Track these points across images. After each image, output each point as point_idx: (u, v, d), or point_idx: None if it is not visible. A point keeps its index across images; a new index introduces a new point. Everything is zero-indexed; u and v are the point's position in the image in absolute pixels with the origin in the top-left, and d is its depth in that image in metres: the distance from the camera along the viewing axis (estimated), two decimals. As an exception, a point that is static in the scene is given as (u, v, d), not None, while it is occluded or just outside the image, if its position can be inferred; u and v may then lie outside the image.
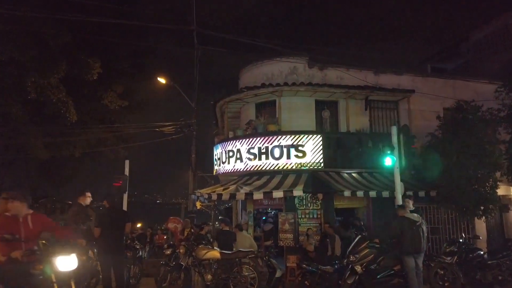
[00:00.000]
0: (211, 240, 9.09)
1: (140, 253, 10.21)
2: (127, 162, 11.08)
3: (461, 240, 9.23)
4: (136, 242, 10.98)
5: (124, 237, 7.54)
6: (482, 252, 8.74)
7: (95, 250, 7.40)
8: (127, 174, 10.95)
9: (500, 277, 8.35)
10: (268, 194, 10.55)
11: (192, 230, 9.75)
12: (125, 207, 10.32)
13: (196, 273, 7.69)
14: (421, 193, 10.88)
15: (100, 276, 7.08)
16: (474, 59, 19.54)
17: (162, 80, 15.88)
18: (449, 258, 8.48)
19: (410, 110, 12.93)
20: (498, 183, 10.55)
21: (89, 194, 7.41)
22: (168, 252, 8.68)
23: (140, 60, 19.03)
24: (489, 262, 8.43)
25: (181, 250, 7.81)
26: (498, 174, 10.53)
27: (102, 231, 6.56)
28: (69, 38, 13.95)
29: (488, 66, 16.67)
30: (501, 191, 11.09)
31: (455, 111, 11.05)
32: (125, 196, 10.68)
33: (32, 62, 13.13)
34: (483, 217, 10.65)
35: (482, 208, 10.27)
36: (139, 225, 19.84)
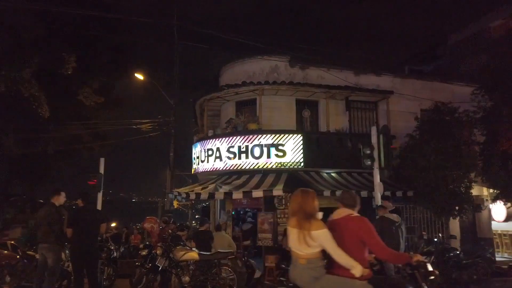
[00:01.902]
0: (187, 241, 8.89)
1: (115, 254, 9.92)
2: (102, 160, 10.71)
3: (435, 240, 9.38)
4: (111, 242, 10.67)
5: (98, 237, 7.26)
6: (458, 252, 8.90)
7: (67, 251, 7.10)
8: (102, 173, 10.60)
9: (475, 277, 8.52)
10: (247, 194, 10.44)
11: (170, 231, 9.51)
12: (99, 206, 9.97)
13: (173, 275, 7.48)
14: (399, 193, 11.01)
15: (72, 278, 6.80)
16: (451, 61, 20.01)
17: (140, 76, 15.53)
18: (426, 258, 8.57)
19: (389, 111, 13.06)
20: (473, 183, 10.81)
21: (63, 194, 7.08)
22: (144, 252, 8.41)
23: (118, 56, 18.54)
24: (464, 261, 8.59)
25: (158, 251, 7.58)
26: (472, 174, 10.77)
27: (75, 232, 6.29)
28: (43, 30, 13.41)
29: (464, 68, 17.09)
30: (475, 191, 11.37)
31: (433, 112, 11.24)
32: (100, 194, 10.32)
33: (3, 54, 12.54)
34: (458, 217, 10.89)
35: (457, 208, 10.49)
36: (114, 224, 19.36)
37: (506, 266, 9.62)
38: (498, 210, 13.30)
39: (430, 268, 4.55)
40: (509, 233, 13.56)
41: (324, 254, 3.43)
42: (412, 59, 22.29)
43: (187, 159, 14.67)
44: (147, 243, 10.22)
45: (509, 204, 11.32)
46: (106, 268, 8.58)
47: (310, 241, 3.35)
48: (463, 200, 10.44)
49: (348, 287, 3.36)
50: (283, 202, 11.71)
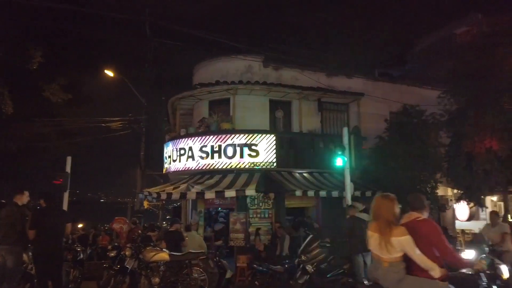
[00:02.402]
0: (157, 241, 8.72)
1: (81, 256, 9.58)
2: (69, 159, 10.31)
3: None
4: (77, 243, 10.30)
5: (64, 239, 6.99)
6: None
7: (30, 253, 6.77)
8: (69, 172, 10.21)
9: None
10: (220, 194, 10.37)
11: (140, 231, 9.29)
12: (65, 207, 9.60)
13: (142, 277, 7.30)
14: (368, 193, 11.23)
15: (35, 281, 6.50)
16: (419, 66, 20.67)
17: (110, 73, 15.10)
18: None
19: (359, 112, 13.32)
20: (438, 184, 11.19)
21: (27, 193, 6.76)
22: (113, 254, 8.16)
23: (89, 52, 17.99)
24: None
25: (127, 252, 7.38)
26: (438, 175, 11.14)
27: (38, 233, 6.01)
28: (6, 22, 12.80)
29: (431, 73, 17.65)
30: (440, 191, 11.80)
31: (401, 114, 11.54)
32: (66, 194, 9.94)
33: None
34: (424, 216, 11.24)
35: (424, 207, 10.81)
36: (80, 225, 18.72)
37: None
38: (461, 209, 13.84)
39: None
40: (472, 231, 14.13)
41: (405, 257, 3.55)
42: (382, 62, 22.86)
43: (159, 159, 14.42)
44: (116, 244, 9.95)
45: (472, 204, 11.77)
46: (72, 270, 8.27)
47: (390, 248, 3.49)
48: (429, 200, 10.76)
49: None
50: (256, 202, 11.74)
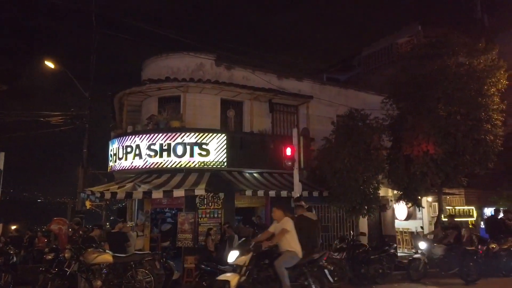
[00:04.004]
0: (101, 243, 8.33)
1: (14, 259, 8.93)
2: (1, 155, 9.56)
3: (348, 237, 10.04)
4: (10, 246, 9.57)
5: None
6: (366, 248, 9.60)
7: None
8: (2, 169, 9.46)
9: (380, 270, 9.26)
10: (168, 193, 10.12)
11: (81, 232, 8.82)
12: (-3, 207, 8.89)
13: (83, 280, 6.93)
14: (315, 193, 11.57)
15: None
16: (364, 72, 21.69)
17: (50, 64, 14.16)
18: (338, 254, 9.14)
19: (308, 114, 13.66)
20: (380, 184, 11.77)
21: None
22: (50, 257, 7.66)
23: (27, 41, 16.76)
24: (372, 257, 9.29)
25: (66, 255, 6.97)
26: (380, 176, 11.73)
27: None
28: None
29: (375, 79, 18.61)
30: (381, 192, 12.40)
31: (347, 118, 12.00)
32: (-2, 193, 9.20)
33: None
34: (367, 216, 11.79)
35: (366, 207, 11.34)
36: (14, 227, 17.40)
37: (406, 261, 10.64)
38: (400, 209, 14.70)
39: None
40: (409, 230, 15.06)
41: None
42: (330, 67, 23.71)
43: (103, 157, 13.78)
44: (54, 246, 9.36)
45: (409, 204, 12.53)
46: (3, 275, 7.67)
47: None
48: (371, 200, 11.31)
49: None
50: (205, 202, 11.61)
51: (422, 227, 12.16)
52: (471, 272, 9.38)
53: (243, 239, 7.53)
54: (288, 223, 6.36)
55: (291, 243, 6.30)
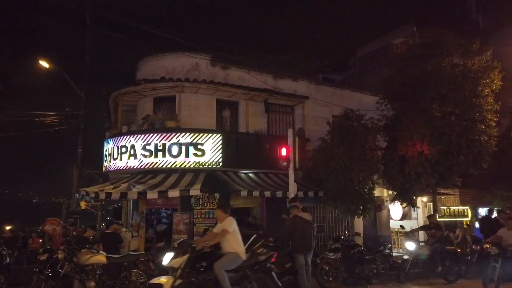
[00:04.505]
0: (94, 244, 8.30)
1: (8, 260, 8.87)
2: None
3: (343, 237, 10.05)
4: (3, 246, 9.52)
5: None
6: (361, 248, 9.62)
7: None
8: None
9: (375, 271, 9.29)
10: (163, 194, 10.10)
11: (74, 233, 8.77)
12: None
13: (76, 281, 6.89)
14: (311, 193, 11.58)
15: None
16: (360, 72, 21.73)
17: (45, 64, 14.08)
18: (333, 254, 9.15)
19: (304, 115, 13.67)
20: (375, 185, 11.79)
21: None
22: (44, 257, 7.61)
23: (22, 39, 16.64)
24: (366, 257, 9.31)
25: (59, 255, 6.92)
26: (375, 177, 11.74)
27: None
28: None
29: (370, 79, 18.64)
30: (376, 192, 12.40)
31: (343, 118, 12.00)
32: (-9, 194, 9.14)
33: None
34: (362, 216, 11.80)
35: (361, 207, 11.35)
36: (8, 227, 17.31)
37: (400, 261, 10.66)
38: (395, 209, 14.74)
39: None
40: (404, 230, 15.07)
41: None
42: (325, 68, 23.73)
43: (98, 157, 13.71)
44: (48, 247, 9.31)
45: (404, 204, 12.56)
46: (-4, 276, 7.61)
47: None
48: (367, 200, 11.32)
49: None
50: (201, 202, 11.58)
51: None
52: (452, 271, 9.51)
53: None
54: (229, 223, 6.01)
55: (233, 244, 5.96)
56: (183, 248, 5.73)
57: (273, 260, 6.65)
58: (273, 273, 6.50)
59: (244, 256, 6.01)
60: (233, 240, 5.98)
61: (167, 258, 5.80)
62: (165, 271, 6.02)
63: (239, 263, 5.94)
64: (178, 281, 5.39)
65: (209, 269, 5.74)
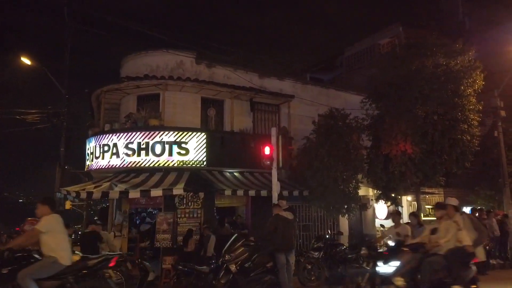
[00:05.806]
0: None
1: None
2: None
3: (327, 236, 10.05)
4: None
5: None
6: (344, 247, 9.62)
7: None
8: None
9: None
10: (145, 193, 9.97)
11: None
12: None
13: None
14: (295, 192, 11.54)
15: None
16: (346, 72, 21.82)
17: (27, 61, 13.80)
18: (316, 253, 9.12)
19: (290, 114, 13.63)
20: (359, 184, 11.81)
21: None
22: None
23: (1, 36, 16.29)
24: (349, 256, 9.31)
25: (35, 256, 6.74)
26: (359, 176, 11.77)
27: None
28: None
29: (356, 79, 18.73)
30: (361, 191, 12.44)
31: (328, 117, 12.01)
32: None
33: None
34: (347, 215, 11.81)
35: (346, 206, 11.36)
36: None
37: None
38: (380, 208, 14.79)
39: None
40: (382, 229, 15.11)
41: None
42: (313, 67, 23.78)
43: (82, 156, 13.48)
44: (29, 248, 9.09)
45: (389, 203, 12.61)
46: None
47: None
48: (351, 199, 11.35)
49: None
50: (185, 202, 11.46)
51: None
52: None
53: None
54: (45, 222, 5.09)
55: (52, 247, 5.05)
56: None
57: (112, 264, 5.81)
58: (110, 280, 5.75)
59: (67, 261, 5.12)
60: (52, 242, 5.08)
61: None
62: None
63: (60, 268, 5.05)
64: None
65: (14, 278, 4.83)
